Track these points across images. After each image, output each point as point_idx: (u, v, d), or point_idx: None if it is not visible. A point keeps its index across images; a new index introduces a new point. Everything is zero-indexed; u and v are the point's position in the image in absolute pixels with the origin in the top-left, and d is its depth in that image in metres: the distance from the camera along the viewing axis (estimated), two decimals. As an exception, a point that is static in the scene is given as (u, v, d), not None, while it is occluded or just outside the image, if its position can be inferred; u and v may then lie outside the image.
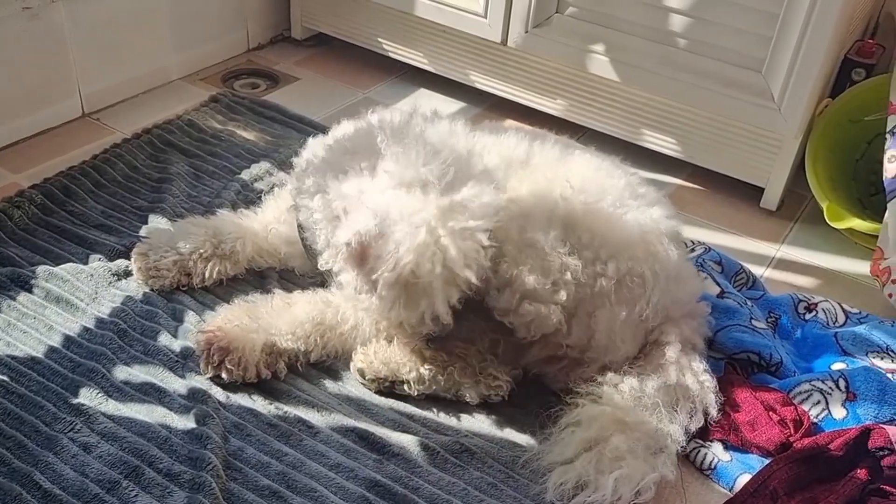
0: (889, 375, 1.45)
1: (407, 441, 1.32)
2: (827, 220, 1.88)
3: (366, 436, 1.32)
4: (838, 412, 1.41)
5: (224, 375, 1.36)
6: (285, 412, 1.35)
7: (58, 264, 1.55)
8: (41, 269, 1.53)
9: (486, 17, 2.11)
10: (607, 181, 1.44)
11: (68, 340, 1.41)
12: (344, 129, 1.47)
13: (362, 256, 1.24)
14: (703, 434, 1.38)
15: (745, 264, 1.77)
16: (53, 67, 1.98)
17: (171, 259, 1.54)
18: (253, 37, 2.51)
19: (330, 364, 1.45)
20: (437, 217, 1.20)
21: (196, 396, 1.33)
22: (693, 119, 2.02)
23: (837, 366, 1.50)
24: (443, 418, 1.39)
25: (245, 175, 1.88)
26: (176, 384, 1.37)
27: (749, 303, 1.64)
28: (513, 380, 1.40)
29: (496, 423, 1.39)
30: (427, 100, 2.35)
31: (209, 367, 1.36)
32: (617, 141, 2.12)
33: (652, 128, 2.09)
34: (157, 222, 1.69)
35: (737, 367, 1.50)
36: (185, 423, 1.30)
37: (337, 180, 1.31)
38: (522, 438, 1.35)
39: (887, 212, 1.75)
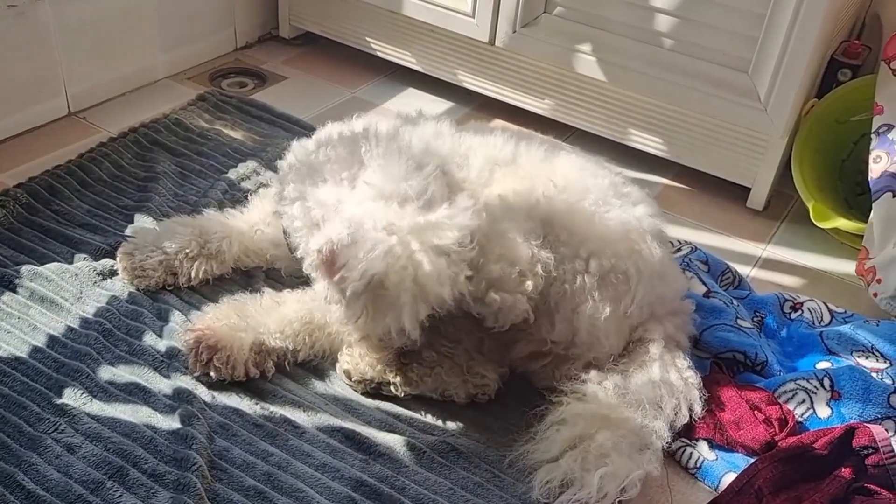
0: (874, 375, 1.46)
1: (393, 441, 1.32)
2: (813, 220, 1.89)
3: (352, 436, 1.32)
4: (823, 411, 1.41)
5: (212, 374, 1.36)
6: (271, 412, 1.35)
7: (42, 264, 1.55)
8: (26, 269, 1.52)
9: (473, 16, 2.12)
10: (591, 181, 1.44)
11: (52, 340, 1.41)
12: (328, 132, 1.46)
13: (332, 264, 1.22)
14: (689, 433, 1.38)
15: (731, 264, 1.78)
16: (39, 66, 1.97)
17: (157, 259, 1.53)
18: (241, 35, 2.50)
19: (316, 364, 1.45)
20: (412, 230, 1.20)
21: (181, 396, 1.33)
22: (680, 119, 2.02)
23: (822, 365, 1.50)
24: (429, 418, 1.39)
25: (232, 174, 1.88)
26: (161, 384, 1.36)
27: (735, 302, 1.64)
28: (499, 378, 1.40)
29: (482, 422, 1.38)
30: (415, 99, 2.34)
31: (197, 366, 1.36)
32: (604, 141, 2.13)
33: (639, 128, 2.09)
34: (142, 221, 1.68)
35: (722, 366, 1.51)
36: (171, 423, 1.29)
37: (317, 188, 1.30)
38: (508, 438, 1.35)
39: (872, 212, 1.76)
